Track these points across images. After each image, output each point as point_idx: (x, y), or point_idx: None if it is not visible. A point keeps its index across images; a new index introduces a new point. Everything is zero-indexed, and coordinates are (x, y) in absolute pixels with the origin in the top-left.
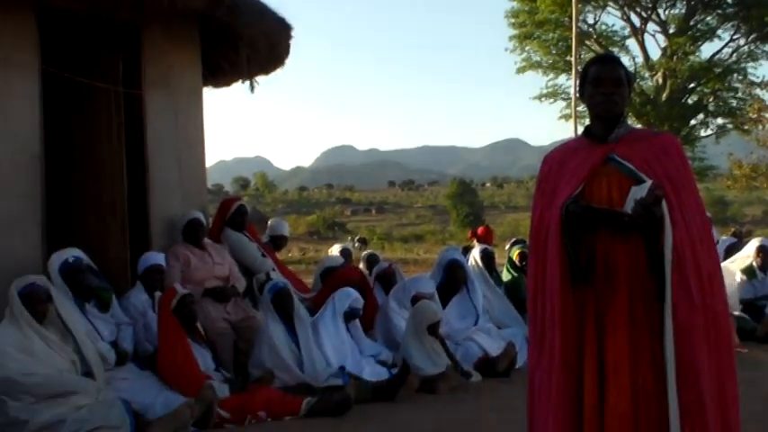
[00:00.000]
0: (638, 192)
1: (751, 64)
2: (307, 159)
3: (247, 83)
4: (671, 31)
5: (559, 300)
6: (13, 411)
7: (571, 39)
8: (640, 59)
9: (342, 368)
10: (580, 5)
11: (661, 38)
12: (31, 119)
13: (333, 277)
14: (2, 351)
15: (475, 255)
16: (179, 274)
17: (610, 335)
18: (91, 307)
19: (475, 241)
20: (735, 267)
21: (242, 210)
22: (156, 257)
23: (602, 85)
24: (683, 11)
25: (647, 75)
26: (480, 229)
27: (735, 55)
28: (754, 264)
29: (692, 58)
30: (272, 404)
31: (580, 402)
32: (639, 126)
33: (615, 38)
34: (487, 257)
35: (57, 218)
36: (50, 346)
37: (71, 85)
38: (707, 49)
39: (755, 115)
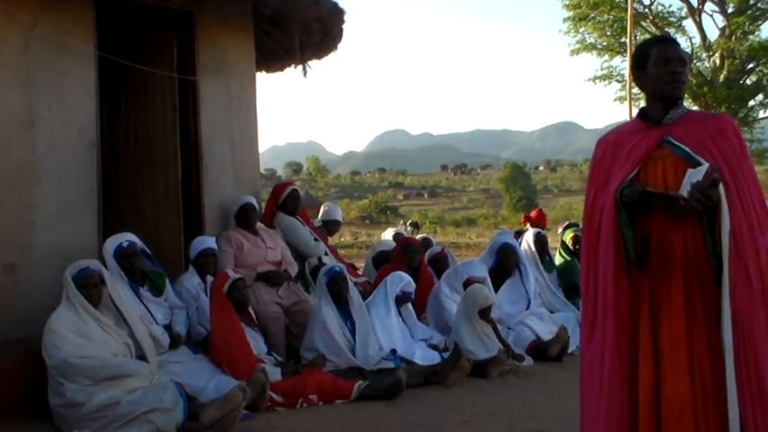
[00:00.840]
0: (695, 175)
1: None
2: (359, 144)
3: (300, 67)
4: (730, 10)
5: (613, 285)
6: (69, 393)
7: (626, 20)
8: (697, 40)
9: (393, 352)
10: None
11: (719, 18)
12: (88, 106)
13: (398, 245)
14: (59, 334)
15: (528, 238)
16: (232, 259)
17: (665, 320)
18: (145, 291)
19: (528, 225)
20: None
21: (294, 194)
22: (208, 241)
23: (670, 64)
24: None
25: (704, 56)
26: (533, 213)
27: None
28: None
29: (751, 37)
30: (323, 388)
31: (630, 389)
32: (696, 108)
33: (671, 18)
34: (541, 242)
35: (112, 203)
36: (105, 330)
37: (126, 71)
38: (767, 29)
39: None
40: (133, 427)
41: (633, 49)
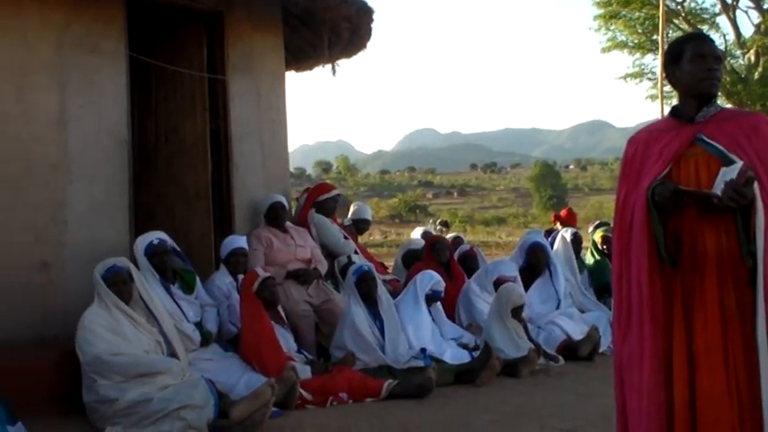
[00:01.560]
0: (728, 173)
1: None
2: (388, 143)
3: (329, 66)
4: (765, 6)
5: (648, 284)
6: (102, 390)
7: (658, 17)
8: (731, 37)
9: (423, 350)
10: None
11: (754, 14)
12: (119, 105)
13: (426, 244)
14: (92, 331)
15: (565, 237)
16: (262, 257)
17: (699, 320)
18: (176, 288)
19: (558, 224)
20: None
21: (337, 198)
22: (239, 241)
23: (706, 61)
24: None
25: (738, 53)
26: (563, 212)
27: None
28: None
29: None
30: (353, 386)
31: (667, 389)
32: (729, 106)
33: (704, 15)
34: (577, 241)
35: (143, 202)
36: (137, 327)
37: (156, 71)
38: None
39: None
40: (165, 424)
41: (665, 47)
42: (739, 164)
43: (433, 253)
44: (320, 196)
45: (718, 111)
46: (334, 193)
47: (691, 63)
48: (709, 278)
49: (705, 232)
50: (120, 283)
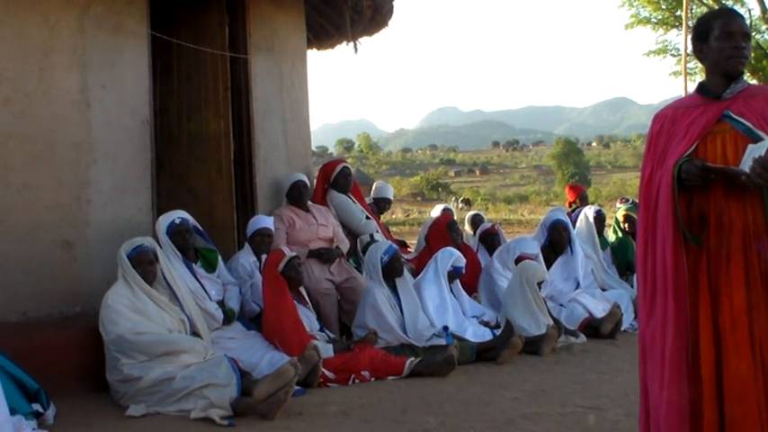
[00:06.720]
0: (756, 150)
1: None
2: (410, 121)
3: (351, 45)
4: None
5: (672, 260)
6: (126, 369)
7: None
8: (757, 12)
9: (445, 328)
10: None
11: None
12: (141, 85)
13: (441, 225)
14: (116, 310)
15: (588, 215)
16: (284, 237)
17: (725, 298)
18: (198, 267)
19: (576, 200)
20: None
21: (345, 172)
22: (266, 221)
23: (733, 38)
24: None
25: (763, 28)
26: (570, 193)
27: None
28: None
29: None
30: (375, 364)
31: (693, 365)
32: (755, 82)
33: None
34: (600, 219)
35: (165, 181)
36: (160, 306)
37: (179, 50)
38: None
39: None
40: (188, 403)
41: (689, 23)
42: (767, 141)
43: (452, 234)
44: (330, 176)
45: (745, 87)
46: (340, 167)
47: (718, 40)
48: (736, 255)
49: (732, 209)
50: (145, 263)
